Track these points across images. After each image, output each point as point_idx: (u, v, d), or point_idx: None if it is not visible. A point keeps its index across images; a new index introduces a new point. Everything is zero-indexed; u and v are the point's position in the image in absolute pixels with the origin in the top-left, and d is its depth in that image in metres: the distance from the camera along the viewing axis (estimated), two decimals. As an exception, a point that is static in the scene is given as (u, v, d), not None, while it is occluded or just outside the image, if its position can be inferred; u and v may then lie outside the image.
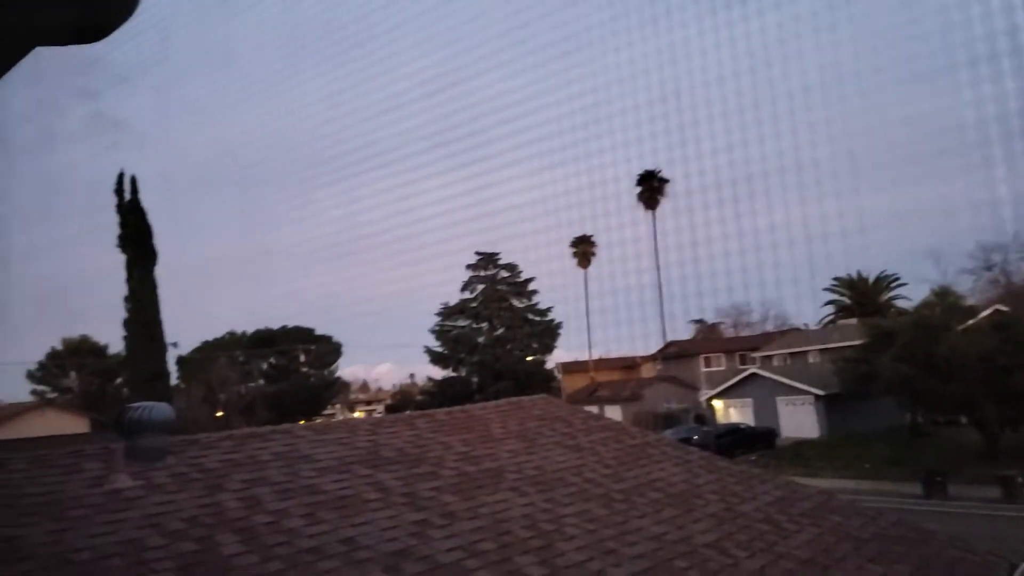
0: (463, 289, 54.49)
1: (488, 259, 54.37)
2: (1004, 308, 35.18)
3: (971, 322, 31.60)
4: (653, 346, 56.76)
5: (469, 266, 54.32)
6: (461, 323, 54.18)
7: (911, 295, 53.33)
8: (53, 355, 54.97)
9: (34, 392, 54.03)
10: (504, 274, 54.61)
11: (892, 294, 56.07)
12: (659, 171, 56.74)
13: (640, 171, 57.22)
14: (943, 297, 36.17)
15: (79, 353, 54.82)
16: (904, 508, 19.66)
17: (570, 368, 58.57)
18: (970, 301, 39.96)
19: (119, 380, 51.51)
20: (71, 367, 55.65)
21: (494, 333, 53.54)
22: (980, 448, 26.45)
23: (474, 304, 53.89)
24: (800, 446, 32.90)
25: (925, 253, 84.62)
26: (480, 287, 54.27)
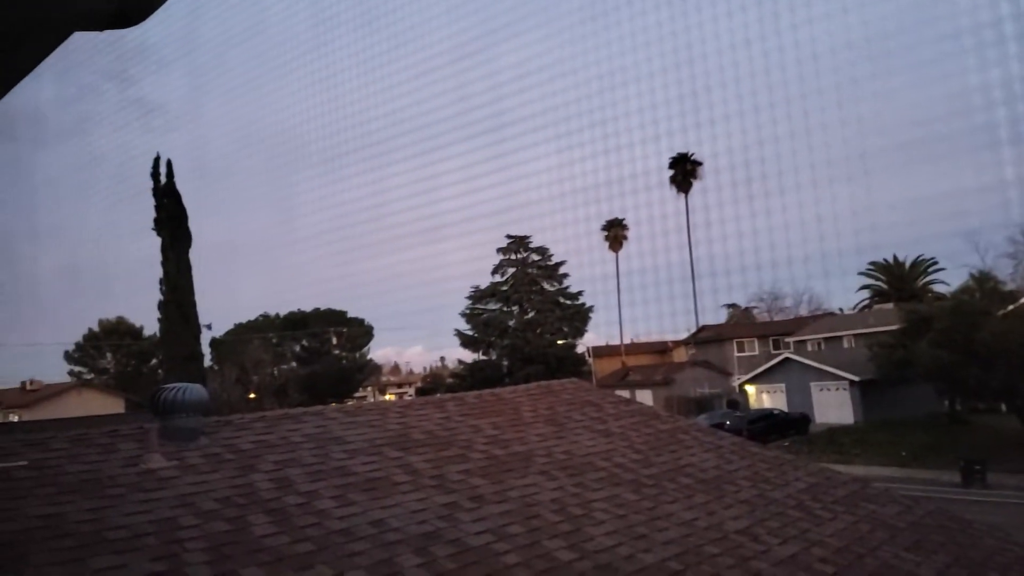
0: (494, 272, 54.59)
1: (519, 242, 54.30)
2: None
3: (1012, 307, 30.82)
4: (685, 330, 56.48)
5: (500, 249, 54.38)
6: (492, 306, 54.28)
7: (949, 280, 52.20)
8: (90, 337, 56.27)
9: (71, 373, 55.43)
10: (535, 257, 54.53)
11: (929, 279, 54.93)
12: (691, 154, 56.14)
13: (672, 153, 56.68)
14: (982, 282, 35.26)
15: (115, 335, 56.03)
16: (941, 496, 19.35)
17: (601, 352, 58.45)
18: (1010, 286, 38.96)
19: (154, 361, 52.58)
20: (107, 348, 56.93)
21: (524, 316, 53.56)
22: (1021, 436, 25.88)
23: (505, 287, 53.93)
24: (834, 432, 32.50)
25: (963, 237, 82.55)
26: (511, 270, 54.27)
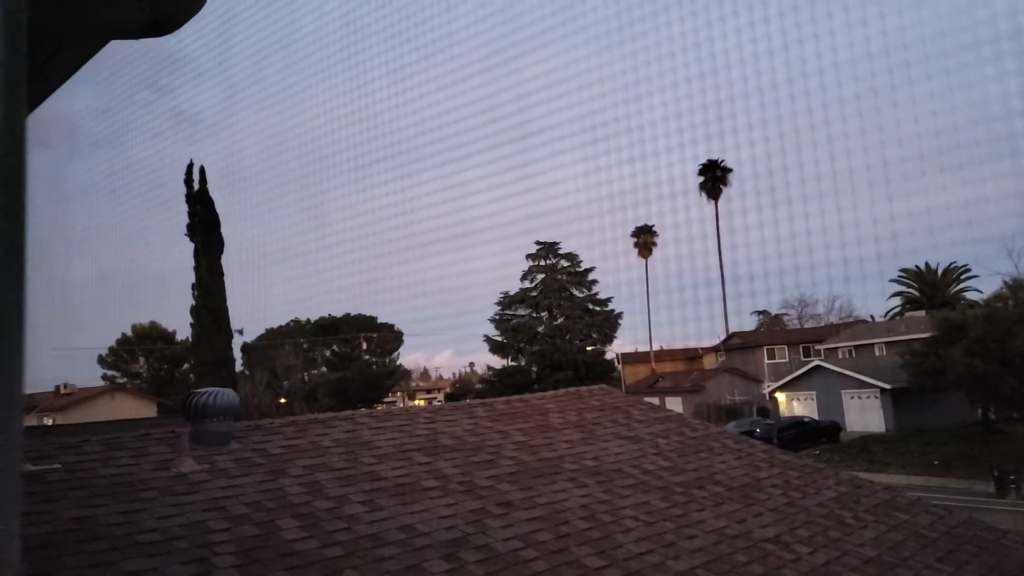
0: (523, 278, 54.55)
1: (548, 248, 54.24)
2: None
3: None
4: (715, 337, 55.99)
5: (529, 255, 54.32)
6: (521, 312, 54.22)
7: (982, 287, 51.13)
8: (123, 341, 57.24)
9: (105, 377, 56.39)
10: (564, 264, 54.40)
11: (962, 286, 53.93)
12: (722, 160, 55.79)
13: (703, 160, 56.39)
14: (1016, 290, 34.55)
15: (148, 339, 56.94)
16: (975, 507, 18.95)
17: (630, 359, 58.15)
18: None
19: (186, 366, 53.31)
20: (140, 353, 57.86)
21: (554, 323, 53.46)
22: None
23: (534, 294, 53.87)
24: (866, 441, 31.99)
25: (997, 244, 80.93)
26: (540, 276, 54.20)
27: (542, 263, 54.31)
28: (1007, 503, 20.52)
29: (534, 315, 53.82)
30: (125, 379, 56.93)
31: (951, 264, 54.54)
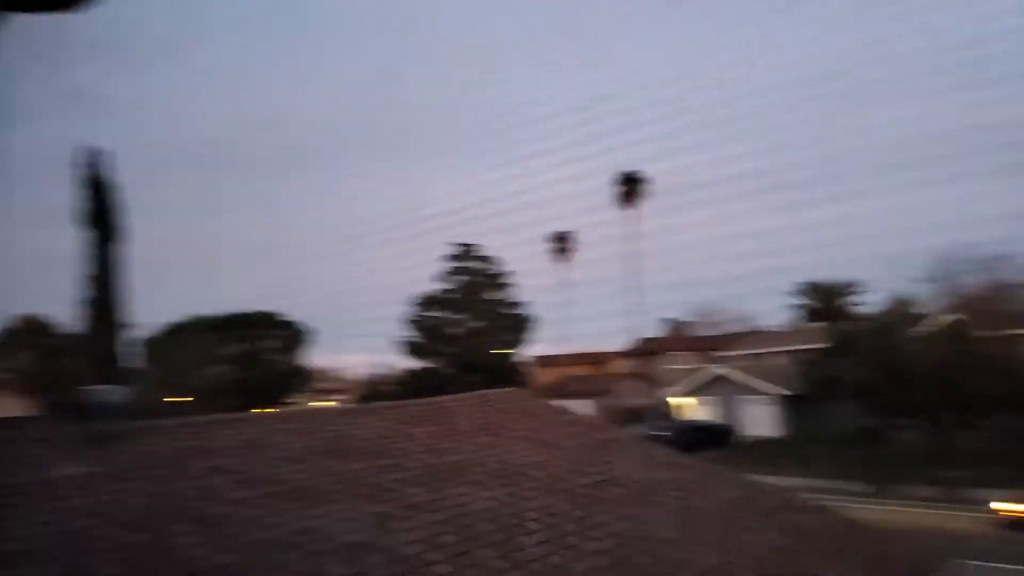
0: (438, 279, 54.22)
1: (466, 250, 54.12)
2: (961, 317, 35.99)
3: (928, 330, 32.24)
4: (626, 343, 57.22)
5: (446, 256, 54.05)
6: (435, 314, 53.85)
7: (875, 302, 54.40)
8: (6, 335, 53.69)
9: (-23, 372, 52.61)
10: (481, 266, 54.38)
11: (855, 300, 57.21)
12: (638, 171, 57.11)
13: (620, 169, 57.57)
14: (903, 305, 36.85)
15: (32, 333, 53.57)
16: (860, 506, 20.08)
17: (544, 362, 58.76)
18: (928, 310, 40.83)
19: (73, 361, 50.38)
20: (23, 347, 54.35)
21: (468, 325, 53.37)
22: (935, 451, 27.01)
23: (449, 295, 53.63)
24: (762, 444, 33.36)
25: (887, 261, 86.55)
26: (456, 278, 54.01)
27: (459, 265, 54.16)
28: (889, 503, 21.84)
29: (448, 317, 53.60)
30: (6, 374, 53.35)
31: (846, 278, 58.12)
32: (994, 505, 19.76)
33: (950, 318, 35.99)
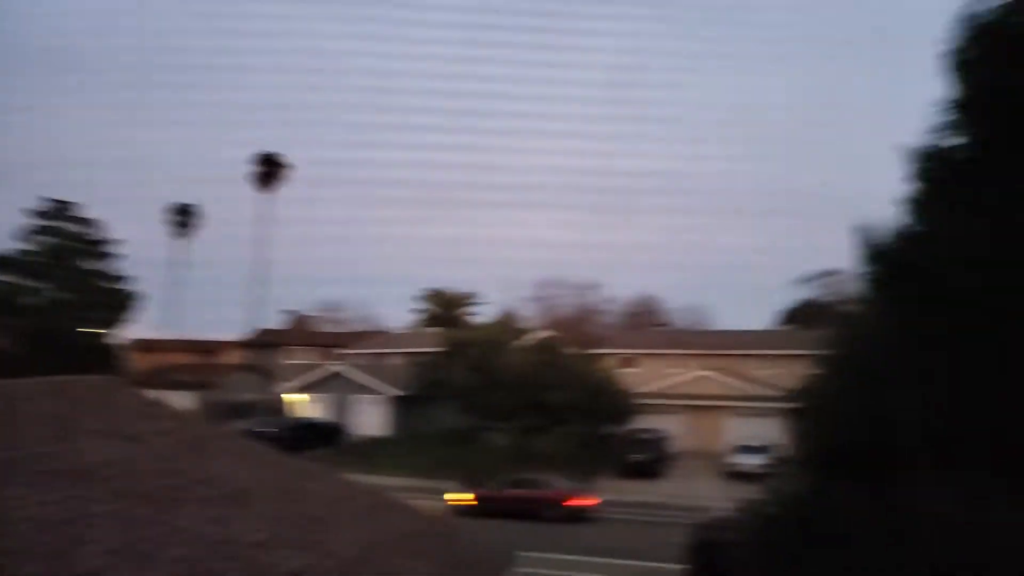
0: (17, 238, 45.56)
1: (60, 207, 46.29)
2: (553, 334, 41.49)
3: (525, 344, 36.52)
4: (242, 332, 54.40)
5: (30, 211, 45.59)
6: (5, 278, 45.07)
7: (487, 314, 59.88)
8: None
9: None
10: (77, 229, 46.95)
11: (472, 310, 62.40)
12: (279, 154, 54.99)
13: (259, 150, 54.92)
14: (508, 319, 41.23)
15: None
16: (452, 507, 21.77)
17: (144, 346, 52.99)
18: (529, 325, 46.34)
19: None
20: None
21: (53, 296, 45.72)
22: (517, 452, 30.46)
23: (28, 257, 45.30)
24: (369, 443, 34.33)
25: (503, 279, 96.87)
26: (41, 239, 45.89)
27: (46, 223, 45.99)
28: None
29: (25, 283, 45.26)
30: None
31: (466, 290, 63.29)
32: (447, 496, 22.56)
33: (543, 334, 41.18)
